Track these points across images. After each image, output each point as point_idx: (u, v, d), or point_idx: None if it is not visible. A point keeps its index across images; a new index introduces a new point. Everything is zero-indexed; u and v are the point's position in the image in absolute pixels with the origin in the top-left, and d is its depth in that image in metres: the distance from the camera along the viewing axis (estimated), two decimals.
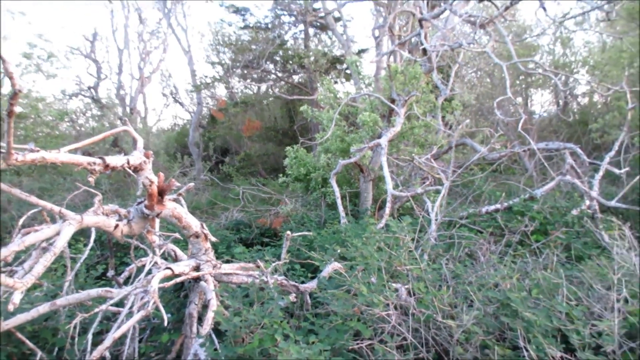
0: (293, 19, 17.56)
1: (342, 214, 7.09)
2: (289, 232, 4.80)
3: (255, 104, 19.38)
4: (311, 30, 19.36)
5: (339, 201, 7.21)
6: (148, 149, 3.67)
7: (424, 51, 7.86)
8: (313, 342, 2.55)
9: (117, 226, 3.49)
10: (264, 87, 19.64)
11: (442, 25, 8.33)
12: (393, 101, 8.07)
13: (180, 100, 22.71)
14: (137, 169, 3.37)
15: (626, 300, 2.85)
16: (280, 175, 9.50)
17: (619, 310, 2.67)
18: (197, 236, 3.72)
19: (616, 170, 6.56)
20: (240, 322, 2.71)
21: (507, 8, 6.94)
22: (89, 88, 16.77)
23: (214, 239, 3.84)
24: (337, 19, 16.97)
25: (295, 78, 19.33)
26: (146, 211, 3.56)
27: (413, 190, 6.48)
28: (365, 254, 3.39)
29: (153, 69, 21.11)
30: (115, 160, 3.19)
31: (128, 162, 3.26)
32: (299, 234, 5.26)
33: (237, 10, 17.83)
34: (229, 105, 17.61)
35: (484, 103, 17.62)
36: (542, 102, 19.43)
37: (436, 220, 5.35)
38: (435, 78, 9.32)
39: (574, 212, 5.78)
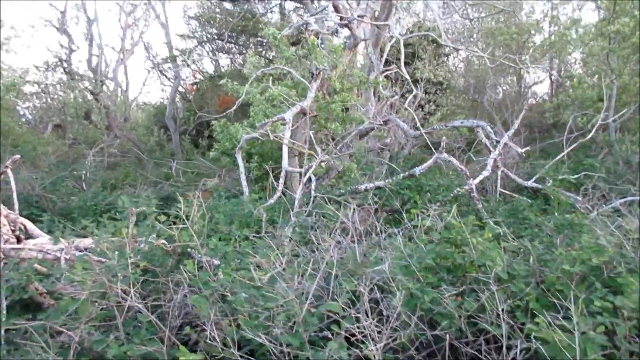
0: None
1: (245, 188, 7.03)
2: (132, 208, 4.75)
3: (234, 78, 19.21)
4: (291, 5, 19.03)
5: (242, 176, 7.14)
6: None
7: (346, 26, 7.61)
8: None
9: None
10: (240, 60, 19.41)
11: None
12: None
13: (165, 73, 22.60)
14: None
15: None
16: (212, 150, 9.42)
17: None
18: None
19: (518, 149, 6.35)
20: None
21: None
22: (61, 60, 16.75)
23: (5, 212, 3.80)
24: None
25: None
26: None
27: (306, 166, 6.36)
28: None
29: (135, 41, 20.98)
30: None
31: None
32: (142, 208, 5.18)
33: None
34: (202, 79, 17.47)
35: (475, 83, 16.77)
36: (533, 81, 18.60)
37: (300, 197, 5.25)
38: (370, 52, 9.07)
39: (457, 190, 5.62)
